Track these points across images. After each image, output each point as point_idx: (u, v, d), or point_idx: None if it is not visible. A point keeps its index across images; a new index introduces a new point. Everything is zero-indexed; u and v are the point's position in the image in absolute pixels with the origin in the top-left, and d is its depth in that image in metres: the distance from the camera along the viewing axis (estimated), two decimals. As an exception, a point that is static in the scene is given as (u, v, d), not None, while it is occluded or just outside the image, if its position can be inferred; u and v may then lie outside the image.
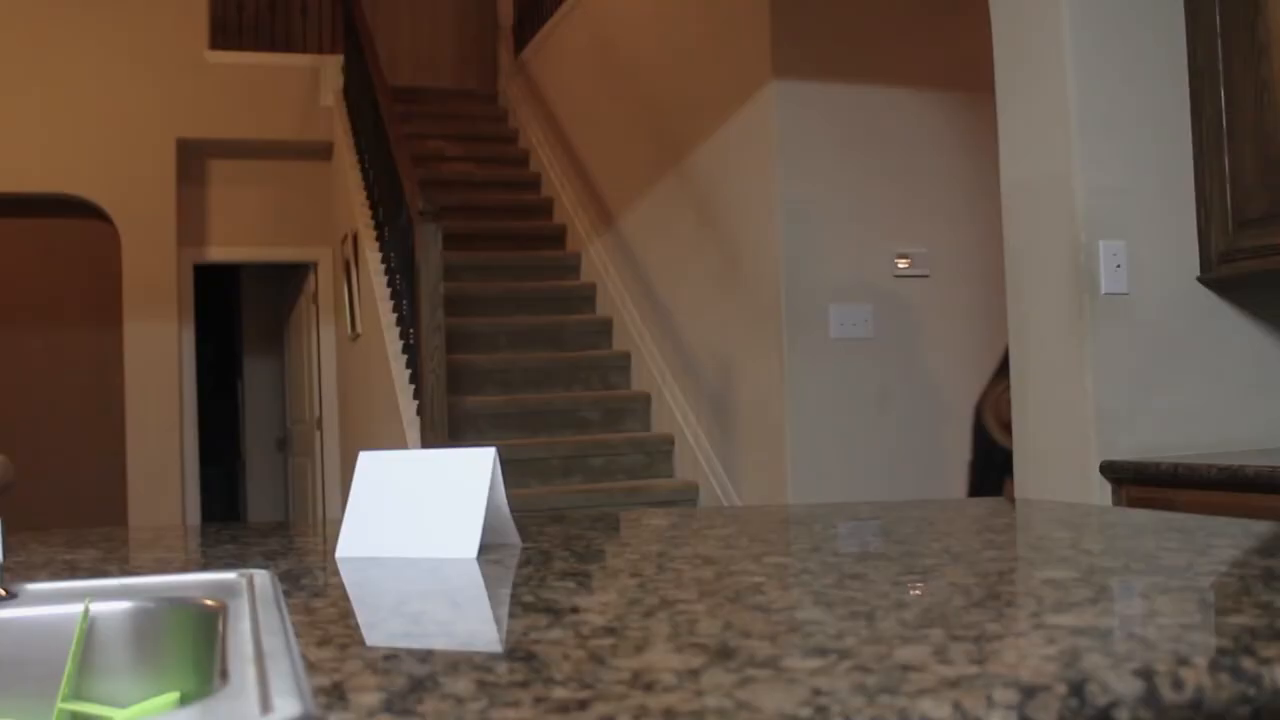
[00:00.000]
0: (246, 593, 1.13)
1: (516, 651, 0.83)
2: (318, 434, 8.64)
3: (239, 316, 10.18)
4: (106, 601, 1.15)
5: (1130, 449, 2.96)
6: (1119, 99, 3.08)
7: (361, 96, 7.52)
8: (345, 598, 1.15)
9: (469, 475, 1.36)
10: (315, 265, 8.73)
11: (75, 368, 8.63)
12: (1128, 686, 0.72)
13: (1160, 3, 3.12)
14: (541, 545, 1.40)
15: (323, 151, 8.47)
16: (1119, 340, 3.01)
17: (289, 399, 9.61)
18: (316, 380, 8.67)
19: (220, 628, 1.01)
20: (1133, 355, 3.02)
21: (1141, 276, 3.04)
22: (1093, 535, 1.39)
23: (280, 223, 8.62)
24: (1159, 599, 0.96)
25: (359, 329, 7.29)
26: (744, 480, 5.02)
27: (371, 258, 6.74)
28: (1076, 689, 0.70)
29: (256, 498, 9.99)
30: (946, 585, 1.05)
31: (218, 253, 8.62)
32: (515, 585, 1.14)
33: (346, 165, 7.72)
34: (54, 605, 1.16)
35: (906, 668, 0.75)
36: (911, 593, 1.02)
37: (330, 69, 8.43)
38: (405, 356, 5.87)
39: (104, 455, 8.24)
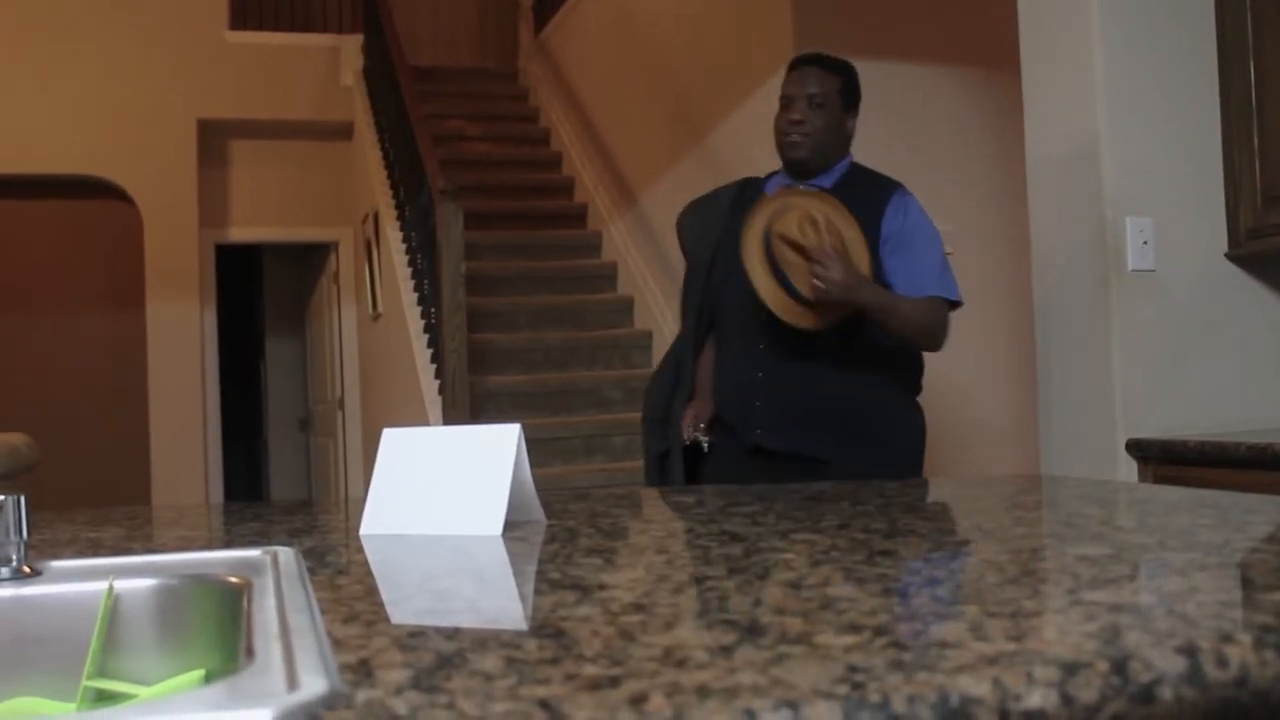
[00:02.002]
0: (271, 570, 1.12)
1: (545, 628, 0.82)
2: (339, 414, 8.65)
3: (260, 296, 10.19)
4: (131, 579, 1.15)
5: (1157, 427, 2.93)
6: (1146, 75, 3.04)
7: (381, 76, 7.51)
8: (370, 575, 1.14)
9: (494, 452, 1.35)
10: (336, 245, 8.73)
11: (98, 348, 8.65)
12: (1170, 664, 0.70)
13: (1188, -24, 3.08)
14: (566, 522, 1.39)
15: (343, 131, 8.46)
16: (1146, 317, 2.98)
17: (311, 379, 9.63)
18: (338, 360, 8.68)
19: (245, 605, 1.00)
20: (1160, 332, 2.99)
21: (1169, 253, 3.00)
22: (1125, 512, 1.37)
23: (301, 203, 8.62)
24: (1197, 576, 0.94)
25: (380, 309, 7.29)
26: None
27: (392, 237, 6.73)
28: (1119, 666, 0.69)
29: (279, 477, 10.01)
30: (979, 562, 1.03)
31: (239, 233, 8.63)
32: (541, 562, 1.13)
33: (367, 145, 7.71)
34: (78, 583, 1.15)
35: (944, 644, 0.74)
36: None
37: (350, 49, 8.41)
38: (426, 336, 5.86)
39: (127, 436, 8.27)
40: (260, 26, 8.60)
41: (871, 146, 4.69)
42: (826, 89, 2.87)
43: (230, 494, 8.83)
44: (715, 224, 2.99)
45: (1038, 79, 3.20)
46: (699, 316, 2.98)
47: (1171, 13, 3.07)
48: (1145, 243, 2.98)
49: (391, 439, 1.44)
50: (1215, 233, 3.06)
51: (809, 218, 2.63)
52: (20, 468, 5.74)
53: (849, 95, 2.93)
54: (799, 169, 2.88)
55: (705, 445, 2.86)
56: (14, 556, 1.14)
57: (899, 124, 4.77)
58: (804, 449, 2.77)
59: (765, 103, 4.99)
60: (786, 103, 2.89)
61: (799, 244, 2.60)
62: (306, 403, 9.81)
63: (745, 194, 2.99)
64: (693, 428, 2.90)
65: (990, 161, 4.85)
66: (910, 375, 2.98)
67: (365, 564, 1.19)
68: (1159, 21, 3.05)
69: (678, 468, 2.88)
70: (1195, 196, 3.05)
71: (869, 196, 2.85)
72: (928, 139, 4.82)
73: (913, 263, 2.79)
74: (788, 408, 2.80)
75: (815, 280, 2.57)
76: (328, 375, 8.92)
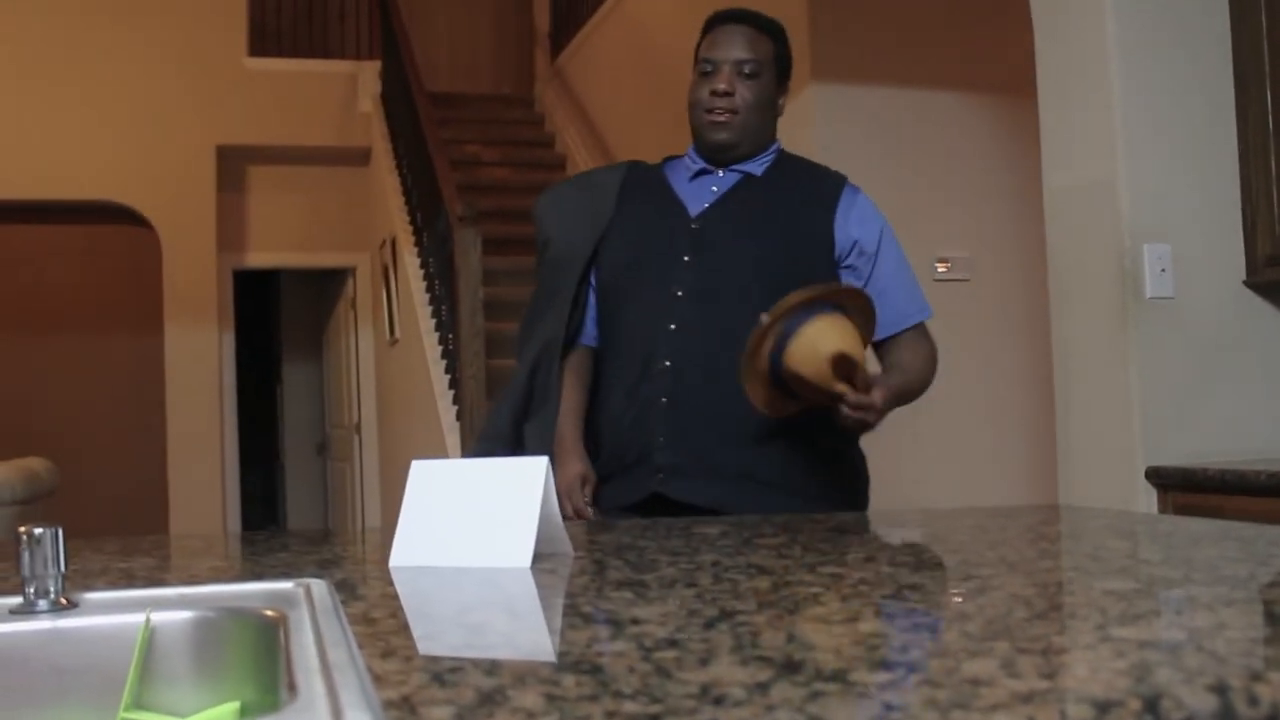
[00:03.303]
0: (305, 603, 1.13)
1: (582, 664, 0.84)
2: (356, 439, 8.68)
3: (278, 321, 10.24)
4: (167, 611, 1.16)
5: (1176, 455, 2.93)
6: (1163, 102, 3.05)
7: (399, 102, 7.56)
8: (404, 608, 1.15)
9: (522, 484, 1.36)
10: (353, 270, 8.78)
11: (117, 372, 8.70)
12: (1202, 702, 0.71)
13: (1205, 6, 3.10)
14: (594, 555, 1.40)
15: (361, 157, 8.51)
16: (1164, 345, 2.99)
17: (328, 404, 9.66)
18: (355, 385, 8.71)
19: (282, 639, 1.02)
20: (1178, 360, 3.00)
21: (1187, 280, 3.01)
22: (1149, 545, 1.38)
23: (319, 228, 8.68)
24: (1224, 611, 0.95)
25: (398, 334, 7.32)
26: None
27: (410, 263, 6.77)
28: (1151, 705, 0.70)
29: (296, 502, 10.04)
30: (1007, 596, 1.04)
31: (257, 258, 8.68)
32: (573, 595, 1.14)
33: (384, 170, 7.76)
34: (115, 614, 1.17)
35: (976, 682, 0.75)
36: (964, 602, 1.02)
37: (368, 75, 8.47)
38: (444, 362, 5.89)
39: (145, 460, 8.31)
40: (279, 53, 8.68)
41: (886, 173, 4.72)
42: (760, 54, 2.34)
43: (247, 518, 8.86)
44: (597, 210, 2.43)
45: (1055, 107, 3.21)
46: (572, 311, 2.38)
47: (1188, 40, 3.08)
48: (1163, 270, 2.99)
49: (420, 471, 1.45)
50: (1233, 260, 3.07)
51: (823, 355, 2.00)
52: (40, 492, 5.77)
53: (783, 64, 2.40)
54: (721, 153, 2.35)
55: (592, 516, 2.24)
56: (52, 588, 1.16)
57: (914, 150, 4.79)
58: (723, 503, 2.12)
59: (781, 130, 5.01)
60: (709, 69, 2.35)
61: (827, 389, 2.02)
62: (323, 427, 9.85)
63: (635, 178, 2.47)
64: (581, 497, 2.23)
65: (1007, 187, 4.86)
66: None
67: (398, 597, 1.20)
68: (1175, 49, 3.06)
69: None
70: (1213, 223, 3.06)
71: (812, 192, 2.37)
72: (943, 165, 4.83)
73: (887, 289, 2.31)
74: (701, 446, 2.20)
75: (851, 421, 2.04)
76: (345, 400, 8.95)
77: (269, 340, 10.39)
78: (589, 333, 2.43)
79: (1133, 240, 2.98)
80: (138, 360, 8.55)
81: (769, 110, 2.38)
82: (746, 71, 2.31)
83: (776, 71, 2.37)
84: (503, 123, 8.89)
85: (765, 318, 2.02)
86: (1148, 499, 2.92)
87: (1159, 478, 2.90)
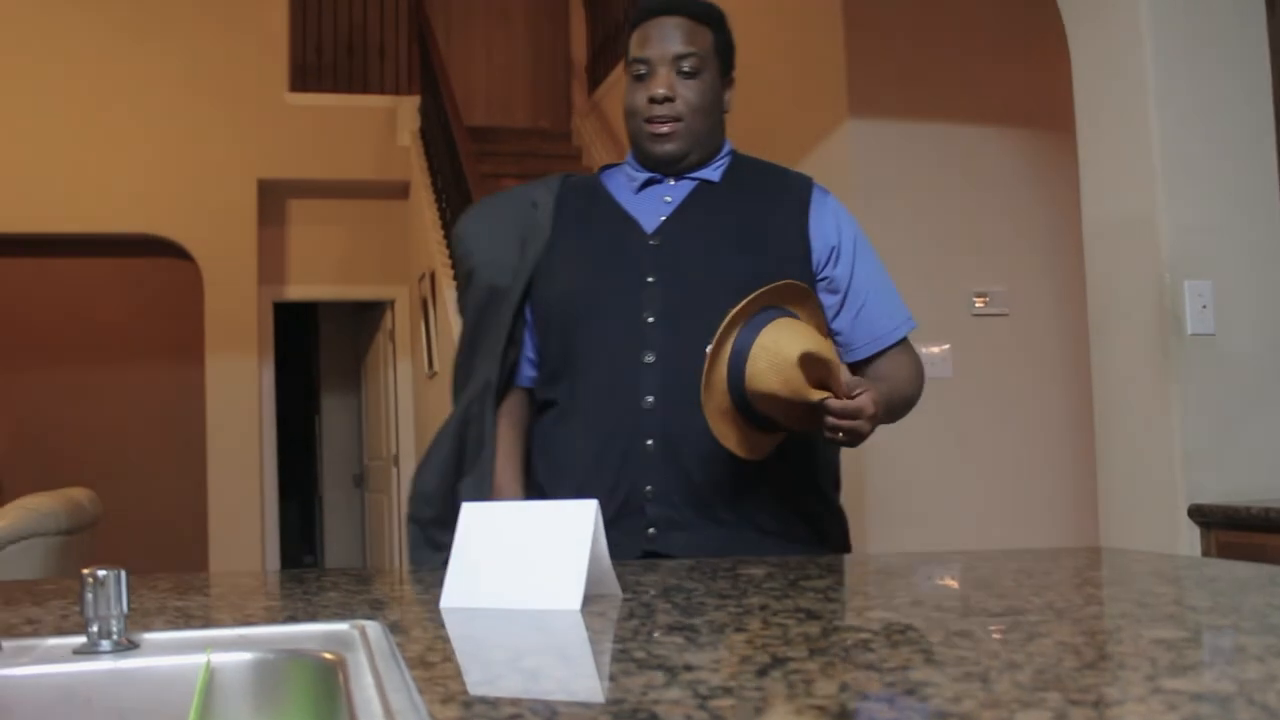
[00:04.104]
0: (362, 645, 1.16)
1: (640, 712, 0.85)
2: (394, 470, 8.73)
3: (317, 353, 10.33)
4: (226, 652, 1.19)
5: (1219, 492, 2.92)
6: (1202, 136, 3.06)
7: (438, 136, 7.63)
8: (459, 652, 1.17)
9: (571, 527, 1.38)
10: (392, 303, 8.85)
11: (158, 403, 8.78)
12: (1255, 757, 0.72)
13: (1244, 37, 3.10)
14: (642, 597, 1.42)
15: (400, 190, 8.59)
16: (1206, 381, 2.98)
17: (366, 435, 9.72)
18: (393, 417, 8.76)
19: (342, 682, 1.04)
20: (1220, 396, 2.99)
21: (1228, 317, 3.01)
22: (1196, 590, 1.39)
23: (358, 261, 8.76)
24: (1274, 662, 0.96)
25: (436, 367, 7.37)
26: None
27: (449, 296, 6.82)
28: (1204, 760, 0.71)
29: (333, 533, 10.09)
30: (1056, 644, 1.05)
31: (297, 291, 8.77)
32: (624, 640, 1.15)
33: (423, 204, 7.83)
34: (175, 655, 1.19)
35: (1030, 735, 0.76)
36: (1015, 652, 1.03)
37: (407, 109, 8.56)
38: (483, 394, 5.91)
39: (185, 490, 8.38)
40: (320, 88, 8.78)
41: (924, 207, 4.73)
42: (699, 47, 2.07)
43: (286, 548, 8.91)
44: (529, 234, 2.15)
45: (1093, 142, 3.22)
46: (503, 359, 2.11)
47: (1227, 74, 3.09)
48: (1204, 306, 2.99)
49: (470, 513, 1.47)
50: (1275, 295, 3.07)
51: (788, 360, 1.73)
52: (84, 522, 5.83)
53: (726, 54, 2.14)
54: (669, 166, 2.10)
55: None
56: (115, 629, 1.18)
57: (952, 184, 4.80)
58: (725, 552, 1.88)
59: (818, 166, 5.04)
60: (642, 71, 2.07)
61: (804, 401, 1.75)
62: (361, 459, 9.90)
63: (570, 194, 2.20)
64: None
65: (1045, 221, 4.86)
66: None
67: (452, 640, 1.22)
68: (1214, 83, 3.07)
69: None
70: (1254, 259, 3.06)
71: (779, 196, 2.14)
72: (981, 199, 4.84)
73: (867, 301, 2.09)
74: (698, 493, 1.96)
75: (839, 434, 1.77)
76: (383, 432, 9.01)
77: (308, 372, 10.47)
78: (524, 374, 2.17)
79: (1173, 276, 2.98)
80: (179, 391, 8.64)
81: (716, 109, 2.12)
82: (686, 69, 2.05)
83: (720, 64, 2.11)
84: (540, 156, 8.95)
85: (709, 348, 1.78)
86: (1190, 537, 2.91)
87: (1201, 516, 2.89)
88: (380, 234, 8.74)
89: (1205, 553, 2.88)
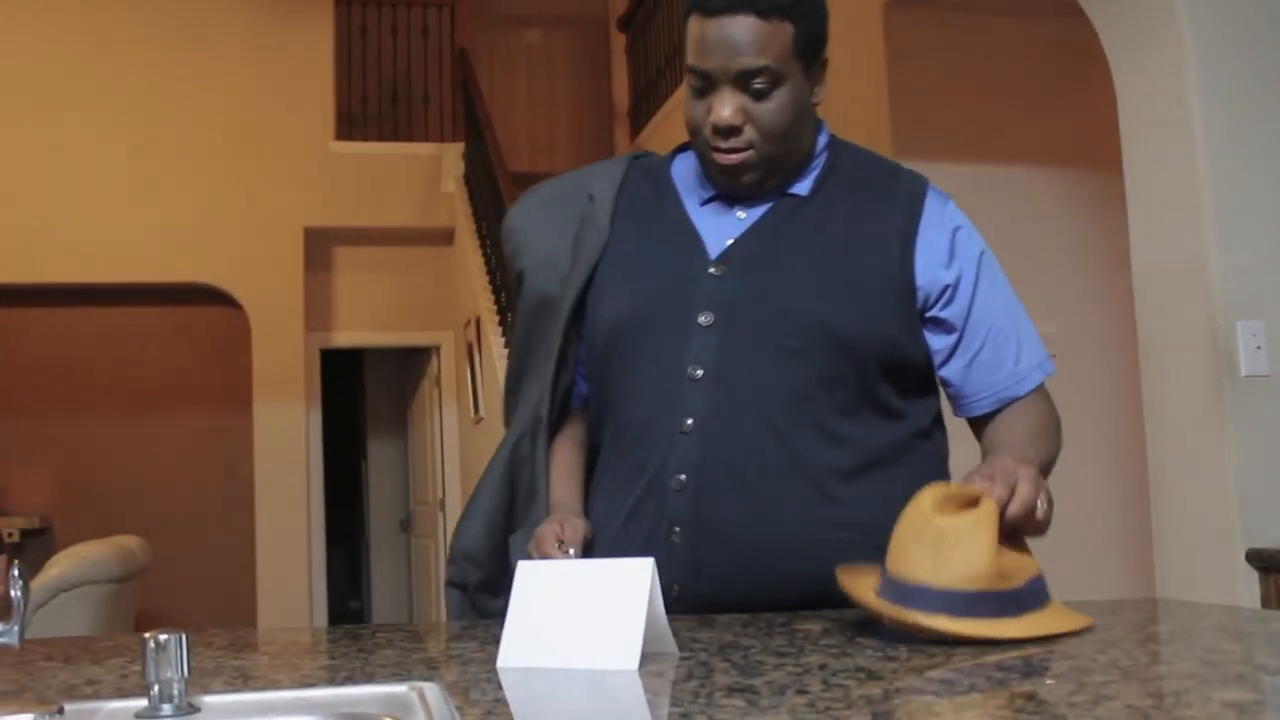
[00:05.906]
0: (421, 708, 1.16)
1: (705, 785, 0.85)
2: (440, 515, 8.75)
3: (363, 399, 10.39)
4: (287, 717, 1.19)
5: (1277, 536, 2.88)
6: (1252, 174, 3.04)
7: (482, 182, 7.69)
8: (518, 715, 1.17)
9: (628, 585, 1.38)
10: (438, 348, 8.89)
11: (206, 450, 8.86)
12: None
13: (1293, 78, 3.09)
14: (699, 655, 1.41)
15: (445, 237, 8.66)
16: (1261, 423, 2.95)
17: (412, 480, 9.75)
18: (440, 462, 8.79)
19: (403, 749, 1.04)
20: (1276, 438, 2.96)
21: (1283, 358, 2.98)
22: (1264, 648, 1.36)
23: (404, 307, 8.82)
24: (1350, 727, 0.94)
25: (482, 412, 7.39)
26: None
27: (494, 342, 6.85)
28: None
29: (380, 577, 10.12)
30: (1124, 708, 1.03)
31: (343, 337, 8.84)
32: (684, 702, 1.15)
33: (469, 250, 7.88)
34: (237, 719, 1.19)
35: (1105, 810, 0.75)
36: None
37: (451, 156, 8.64)
38: (529, 440, 5.91)
39: (234, 536, 8.43)
40: (365, 137, 8.87)
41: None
42: (774, 55, 1.62)
43: (333, 593, 8.93)
44: (586, 233, 1.81)
45: (1141, 182, 3.21)
46: (554, 385, 1.82)
47: (1275, 112, 3.06)
48: (1258, 347, 2.96)
49: (526, 572, 1.47)
50: (1331, 337, 3.03)
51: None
52: (135, 570, 5.88)
53: (811, 46, 1.67)
54: (745, 192, 1.74)
55: None
56: (176, 693, 1.19)
57: (999, 226, 4.77)
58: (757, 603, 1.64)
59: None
60: (703, 86, 1.66)
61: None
62: (408, 504, 9.93)
63: (636, 183, 1.84)
64: (560, 548, 1.67)
65: (1095, 261, 4.84)
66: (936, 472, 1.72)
67: (511, 702, 1.22)
68: (1262, 120, 3.05)
69: None
70: (1308, 300, 3.03)
71: (879, 214, 1.74)
72: (1029, 240, 4.82)
73: (988, 344, 1.77)
74: (726, 580, 1.66)
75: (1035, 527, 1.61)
76: (429, 477, 9.04)
77: (354, 417, 10.53)
78: (579, 394, 1.89)
79: (1225, 317, 2.96)
80: (228, 437, 8.72)
81: (801, 120, 1.71)
82: (757, 87, 1.63)
83: (803, 63, 1.67)
84: (583, 200, 8.99)
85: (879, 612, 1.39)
86: (1248, 582, 2.87)
87: (1260, 560, 2.85)
88: (425, 280, 8.81)
89: (1265, 596, 2.84)
